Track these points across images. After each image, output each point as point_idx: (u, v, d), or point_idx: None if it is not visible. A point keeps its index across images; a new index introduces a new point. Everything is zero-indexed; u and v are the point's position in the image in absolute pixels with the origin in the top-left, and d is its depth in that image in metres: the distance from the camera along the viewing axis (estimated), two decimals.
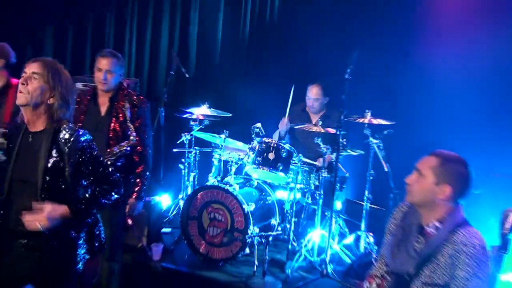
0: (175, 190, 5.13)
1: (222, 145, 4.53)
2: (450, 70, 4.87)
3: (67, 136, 2.39)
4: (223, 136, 4.46)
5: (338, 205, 4.86)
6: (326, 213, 4.35)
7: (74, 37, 5.69)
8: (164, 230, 4.65)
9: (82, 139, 2.44)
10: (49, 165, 2.36)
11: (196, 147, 4.87)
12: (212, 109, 4.76)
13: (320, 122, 4.42)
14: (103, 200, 2.49)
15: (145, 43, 5.95)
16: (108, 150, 3.34)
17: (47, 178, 2.36)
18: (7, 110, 4.10)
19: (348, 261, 4.30)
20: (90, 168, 2.44)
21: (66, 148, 2.37)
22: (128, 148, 3.36)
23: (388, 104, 4.85)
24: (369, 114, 4.24)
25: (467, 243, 2.15)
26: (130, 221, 4.16)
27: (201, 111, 4.71)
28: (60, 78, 2.43)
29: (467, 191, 2.25)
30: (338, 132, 4.10)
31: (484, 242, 2.17)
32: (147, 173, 3.56)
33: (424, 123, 4.97)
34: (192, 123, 4.77)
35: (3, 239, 2.45)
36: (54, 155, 2.37)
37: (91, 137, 2.51)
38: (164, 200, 4.90)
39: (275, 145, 4.28)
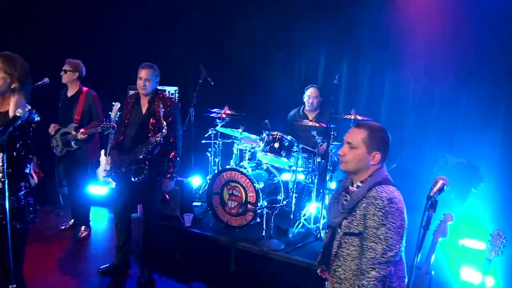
0: (204, 173, 6.23)
1: (239, 137, 5.57)
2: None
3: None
4: (240, 130, 5.48)
5: (333, 185, 5.83)
6: (321, 190, 5.21)
7: None
8: (195, 203, 5.75)
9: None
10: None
11: (220, 139, 5.92)
12: (231, 109, 5.80)
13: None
14: None
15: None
16: (148, 140, 4.32)
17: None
18: (78, 110, 5.33)
19: None
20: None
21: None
22: (161, 139, 4.29)
23: (370, 104, 5.76)
24: (354, 111, 5.20)
25: (377, 197, 2.34)
26: (167, 196, 5.32)
27: (223, 111, 5.76)
28: (15, 66, 2.84)
29: (388, 153, 2.53)
30: (328, 126, 5.09)
31: (394, 196, 2.35)
32: (178, 158, 4.51)
33: (397, 117, 5.85)
34: (217, 120, 5.82)
35: None
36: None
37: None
38: (195, 181, 6.02)
39: (279, 136, 5.23)
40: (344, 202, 2.56)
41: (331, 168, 5.41)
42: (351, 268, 2.48)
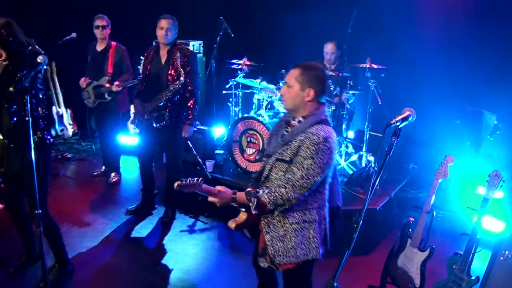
0: (226, 122, 6.48)
1: (258, 87, 5.73)
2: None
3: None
4: (258, 80, 5.65)
5: (351, 134, 5.99)
6: (337, 138, 5.40)
7: None
8: (217, 151, 6.03)
9: None
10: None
11: (240, 90, 6.10)
12: (250, 60, 5.92)
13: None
14: None
15: None
16: (167, 88, 4.56)
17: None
18: (110, 64, 5.65)
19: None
20: None
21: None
22: (180, 86, 4.54)
23: (384, 52, 5.76)
24: (369, 60, 5.28)
25: (315, 133, 2.52)
26: (190, 144, 5.62)
27: (243, 61, 5.90)
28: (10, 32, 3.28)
29: (325, 90, 2.67)
30: (343, 75, 5.20)
31: (330, 136, 2.55)
32: (196, 106, 4.76)
33: (411, 65, 5.80)
34: (238, 72, 5.96)
35: None
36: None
37: None
38: (218, 131, 6.28)
39: None
40: (285, 133, 2.74)
41: (347, 117, 5.56)
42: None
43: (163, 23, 4.62)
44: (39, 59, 2.86)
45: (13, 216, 3.80)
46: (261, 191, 2.62)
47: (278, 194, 2.57)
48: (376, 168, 5.36)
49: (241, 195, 2.67)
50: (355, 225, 2.27)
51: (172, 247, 4.61)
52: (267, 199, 2.58)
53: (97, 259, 4.31)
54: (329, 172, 2.67)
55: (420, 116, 5.79)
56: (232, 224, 2.84)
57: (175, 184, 2.65)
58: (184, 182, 2.62)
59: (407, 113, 2.47)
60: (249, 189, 2.73)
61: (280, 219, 2.68)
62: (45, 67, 2.99)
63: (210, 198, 2.74)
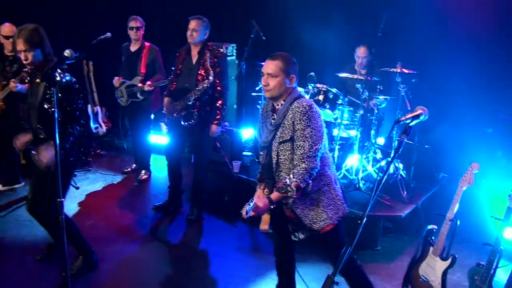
0: (255, 124, 6.50)
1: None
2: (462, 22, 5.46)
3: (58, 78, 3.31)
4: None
5: (381, 140, 5.91)
6: (365, 144, 5.34)
7: None
8: (245, 153, 6.07)
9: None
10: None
11: None
12: None
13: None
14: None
15: None
16: (196, 87, 4.65)
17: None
18: (143, 64, 5.79)
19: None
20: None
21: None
22: (209, 85, 4.61)
23: (416, 57, 5.66)
24: (399, 65, 5.21)
25: (299, 105, 2.84)
26: (218, 144, 5.70)
27: None
28: (36, 37, 3.39)
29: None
30: (372, 79, 5.13)
31: (312, 104, 2.87)
32: (224, 106, 4.84)
33: (443, 70, 5.67)
34: None
35: None
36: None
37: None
38: (247, 132, 6.32)
39: (324, 89, 5.31)
40: (272, 120, 3.00)
41: (376, 122, 5.49)
42: (290, 168, 2.94)
43: (191, 23, 4.74)
44: (66, 53, 2.93)
45: (34, 216, 3.78)
46: (287, 180, 2.80)
47: (302, 170, 2.81)
48: (404, 175, 5.31)
49: (275, 195, 2.88)
50: (359, 222, 2.29)
51: (195, 244, 4.68)
52: (298, 180, 2.79)
53: (122, 252, 4.41)
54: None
55: (451, 124, 5.72)
56: (265, 226, 3.04)
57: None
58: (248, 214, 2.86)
59: (419, 111, 2.47)
60: (279, 185, 2.90)
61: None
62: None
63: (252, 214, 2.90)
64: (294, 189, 2.79)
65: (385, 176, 2.41)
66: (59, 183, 2.78)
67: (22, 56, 3.40)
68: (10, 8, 6.51)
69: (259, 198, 2.94)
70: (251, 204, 2.82)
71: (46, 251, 4.14)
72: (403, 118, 2.48)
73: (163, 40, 6.41)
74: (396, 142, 5.36)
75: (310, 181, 2.87)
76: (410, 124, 2.44)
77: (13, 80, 4.08)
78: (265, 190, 3.07)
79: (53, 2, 7.05)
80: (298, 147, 2.85)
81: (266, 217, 3.03)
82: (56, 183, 2.77)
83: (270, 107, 3.08)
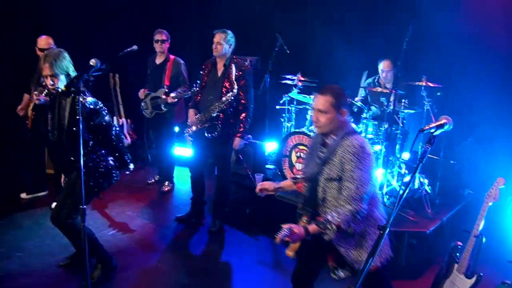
0: (279, 138, 6.48)
1: (311, 103, 5.72)
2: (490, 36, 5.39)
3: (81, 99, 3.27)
4: (312, 96, 5.65)
5: (406, 155, 5.80)
6: (390, 158, 5.27)
7: None
8: (267, 166, 6.07)
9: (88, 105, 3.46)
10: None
11: (293, 105, 6.12)
12: (304, 76, 5.89)
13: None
14: None
15: None
16: (220, 99, 4.70)
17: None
18: (167, 76, 5.88)
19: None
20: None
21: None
22: (233, 98, 4.66)
23: (441, 70, 5.60)
24: (425, 78, 5.14)
25: (350, 144, 2.73)
26: (241, 156, 5.71)
27: (297, 77, 5.89)
28: (61, 62, 3.48)
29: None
30: (396, 92, 5.04)
31: (364, 143, 2.75)
32: (248, 120, 4.87)
33: (469, 84, 5.58)
34: (292, 88, 5.97)
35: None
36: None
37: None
38: (269, 145, 6.31)
39: (348, 102, 5.32)
40: (320, 154, 2.91)
41: (401, 136, 5.41)
42: (335, 206, 2.82)
43: (215, 37, 4.81)
44: (92, 62, 3.00)
45: (56, 224, 3.80)
46: (329, 216, 2.73)
47: (347, 212, 2.71)
48: (429, 191, 5.20)
49: (313, 228, 2.76)
50: (381, 232, 2.27)
51: (216, 256, 4.68)
52: (340, 221, 2.69)
53: (143, 262, 4.44)
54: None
55: (477, 139, 5.56)
56: (291, 252, 2.91)
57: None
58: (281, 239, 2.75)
59: (443, 121, 2.46)
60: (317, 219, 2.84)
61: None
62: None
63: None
64: (335, 228, 2.70)
65: (407, 189, 2.40)
66: (82, 190, 2.83)
67: (48, 80, 3.47)
68: (46, 20, 6.71)
69: (297, 226, 2.81)
70: (287, 230, 2.72)
71: (69, 260, 4.21)
72: (427, 127, 2.45)
73: (189, 53, 6.51)
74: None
75: (353, 225, 2.76)
76: (435, 134, 2.42)
77: (35, 93, 4.20)
78: (304, 218, 2.99)
79: (81, 16, 7.23)
80: (345, 188, 2.75)
81: (295, 244, 2.90)
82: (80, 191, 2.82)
83: (319, 140, 2.99)
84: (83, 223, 2.83)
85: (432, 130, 2.42)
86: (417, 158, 5.22)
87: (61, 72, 3.47)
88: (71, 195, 3.58)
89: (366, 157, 2.74)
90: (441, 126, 2.44)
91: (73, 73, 3.53)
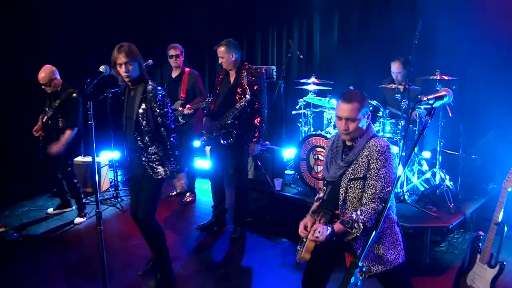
0: (297, 143, 6.48)
1: (327, 106, 5.74)
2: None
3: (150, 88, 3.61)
4: (327, 99, 5.67)
5: (427, 154, 5.73)
6: (403, 153, 5.02)
7: None
8: (286, 171, 6.07)
9: (159, 92, 3.61)
10: (140, 110, 3.61)
11: (310, 109, 6.12)
12: (318, 79, 5.88)
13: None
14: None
15: None
16: (234, 106, 4.75)
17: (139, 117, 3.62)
18: (183, 89, 5.99)
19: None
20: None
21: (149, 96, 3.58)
22: (246, 103, 4.70)
23: (455, 64, 5.52)
24: (438, 72, 5.06)
25: (378, 145, 2.78)
26: (259, 163, 5.73)
27: (311, 80, 5.87)
28: (136, 54, 3.59)
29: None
30: (410, 87, 4.99)
31: (388, 144, 2.80)
32: (263, 124, 4.89)
33: (483, 78, 5.51)
34: (309, 93, 6.00)
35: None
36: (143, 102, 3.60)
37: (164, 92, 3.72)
38: (288, 152, 6.32)
39: None
40: (344, 156, 2.93)
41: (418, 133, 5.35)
42: (356, 207, 2.85)
43: (217, 52, 4.89)
44: (101, 68, 3.09)
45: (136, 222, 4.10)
46: (354, 215, 2.75)
47: (371, 210, 2.74)
48: (451, 187, 5.11)
49: (339, 227, 2.77)
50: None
51: (238, 261, 4.68)
52: (365, 219, 2.72)
53: None
54: None
55: (498, 132, 5.44)
56: (307, 255, 2.88)
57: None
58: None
59: (443, 92, 2.45)
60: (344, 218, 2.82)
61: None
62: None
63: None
64: (361, 226, 2.71)
65: (406, 165, 2.39)
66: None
67: (122, 68, 3.57)
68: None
69: (321, 225, 2.79)
70: (320, 230, 2.71)
71: (149, 265, 4.36)
72: (424, 98, 2.44)
73: (204, 65, 6.61)
74: (440, 157, 5.21)
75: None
76: (434, 106, 2.40)
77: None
78: (322, 220, 2.97)
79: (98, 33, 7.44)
80: (369, 186, 2.79)
81: (310, 245, 2.87)
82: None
83: (341, 143, 3.00)
84: (99, 226, 2.89)
85: (431, 102, 2.42)
86: (436, 156, 5.22)
87: (135, 60, 3.60)
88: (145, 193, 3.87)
89: (392, 156, 2.80)
90: (440, 97, 2.42)
91: (143, 67, 3.68)
